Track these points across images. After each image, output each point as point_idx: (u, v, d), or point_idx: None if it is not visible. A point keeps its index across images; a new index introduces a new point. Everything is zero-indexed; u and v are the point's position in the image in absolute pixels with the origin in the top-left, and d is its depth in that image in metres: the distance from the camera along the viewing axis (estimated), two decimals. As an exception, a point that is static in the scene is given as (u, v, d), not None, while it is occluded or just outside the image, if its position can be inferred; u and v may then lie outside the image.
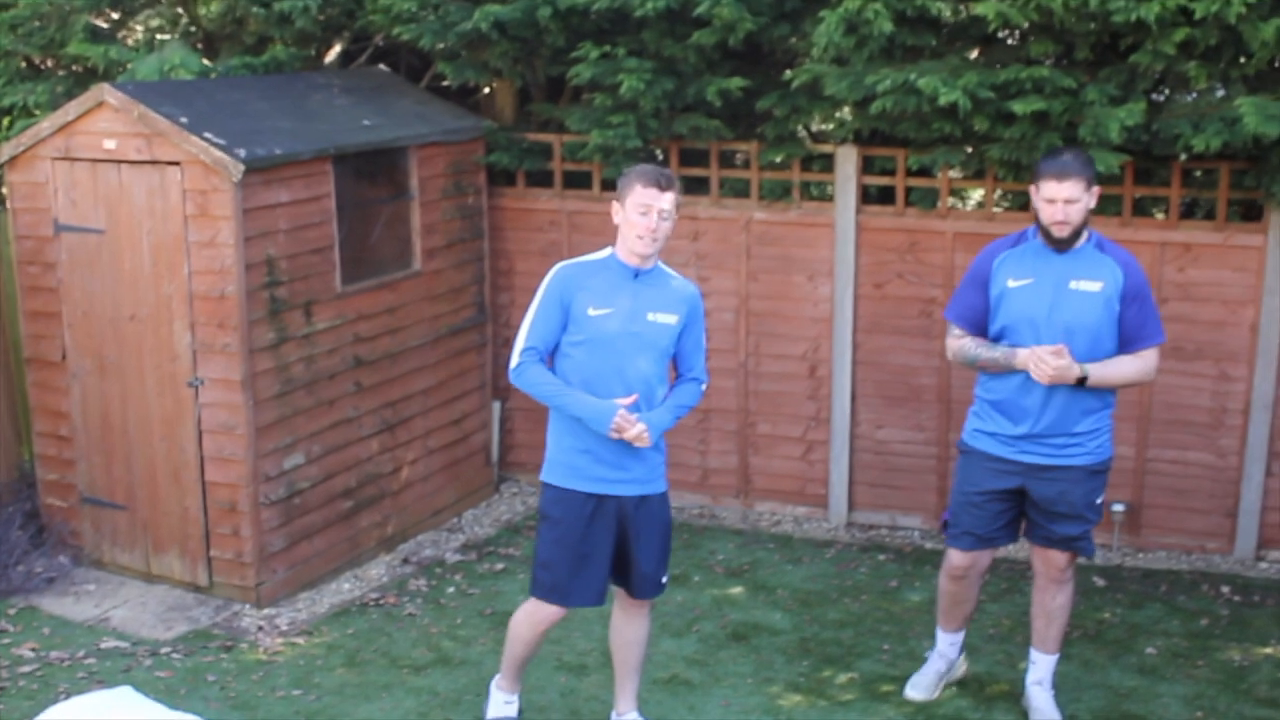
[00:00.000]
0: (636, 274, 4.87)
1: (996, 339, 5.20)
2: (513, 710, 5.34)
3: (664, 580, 5.17)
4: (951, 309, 5.36)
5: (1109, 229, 6.92)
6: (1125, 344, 5.10)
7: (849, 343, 7.45)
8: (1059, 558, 5.29)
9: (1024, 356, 5.03)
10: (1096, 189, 5.10)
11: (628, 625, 5.23)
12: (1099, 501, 5.25)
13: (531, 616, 5.10)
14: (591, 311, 4.81)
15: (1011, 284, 5.14)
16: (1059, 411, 5.11)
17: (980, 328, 5.24)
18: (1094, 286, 5.05)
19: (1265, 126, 5.97)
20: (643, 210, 4.76)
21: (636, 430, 4.76)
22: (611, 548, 4.97)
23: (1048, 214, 5.04)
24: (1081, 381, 4.99)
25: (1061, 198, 4.99)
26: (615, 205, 4.86)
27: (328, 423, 6.83)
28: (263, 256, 6.33)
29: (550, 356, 4.91)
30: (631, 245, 4.84)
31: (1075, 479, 5.17)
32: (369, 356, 7.04)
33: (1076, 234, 5.07)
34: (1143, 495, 7.19)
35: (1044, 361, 4.94)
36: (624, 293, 4.85)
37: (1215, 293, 6.90)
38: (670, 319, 4.89)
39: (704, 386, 5.08)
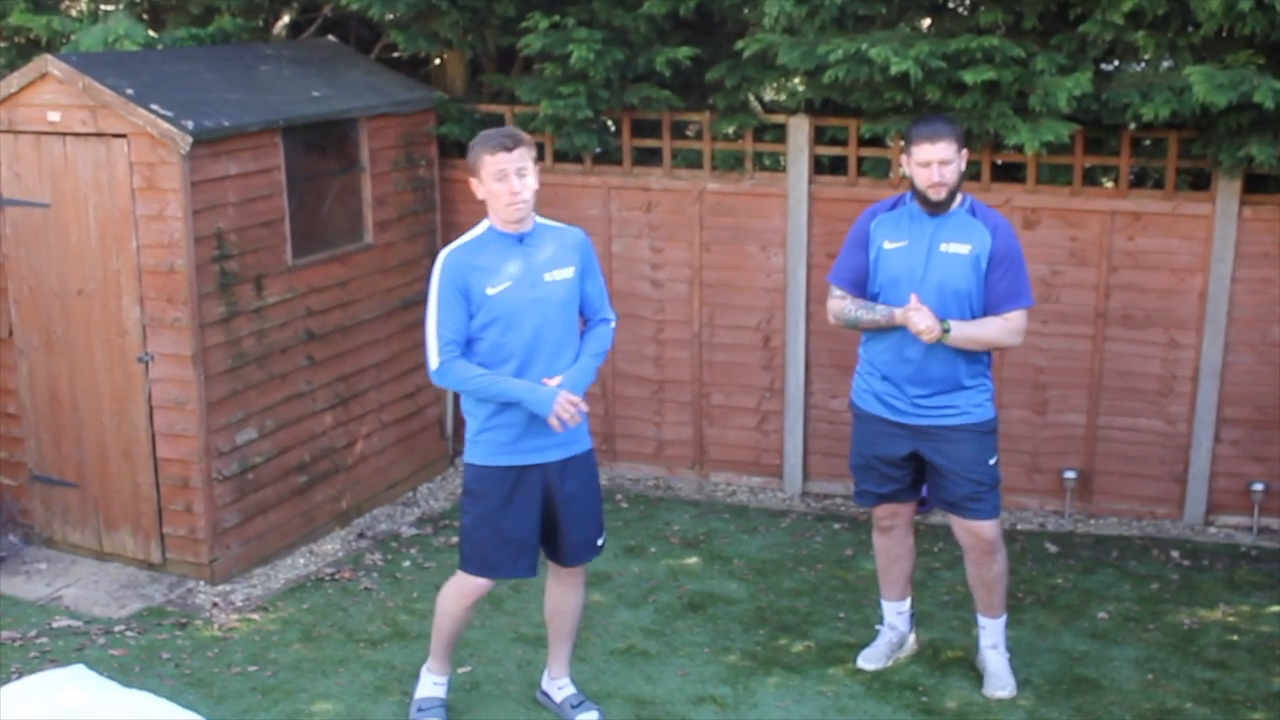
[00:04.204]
0: (521, 239, 4.80)
1: (873, 299, 5.27)
2: (441, 691, 5.31)
3: (599, 542, 5.14)
4: (834, 272, 5.42)
5: (1059, 198, 6.98)
6: (992, 306, 5.16)
7: (803, 313, 7.47)
8: (980, 527, 5.32)
9: (901, 316, 5.13)
10: (965, 151, 5.17)
11: (562, 595, 5.23)
12: (992, 463, 5.31)
13: (459, 590, 5.09)
14: (489, 290, 4.72)
15: (887, 245, 5.23)
16: (935, 370, 5.19)
17: (862, 288, 5.31)
18: (963, 249, 5.12)
19: (1214, 95, 6.02)
20: (499, 177, 4.67)
21: (571, 416, 4.73)
22: (538, 518, 4.95)
23: (923, 178, 5.10)
24: (940, 335, 5.06)
25: (936, 159, 5.06)
26: (473, 181, 4.75)
27: (280, 397, 6.78)
28: (212, 230, 6.27)
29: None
30: (503, 215, 4.75)
31: (963, 439, 5.25)
32: (321, 330, 6.99)
33: (952, 196, 5.13)
34: (1094, 462, 7.26)
35: (912, 313, 5.06)
36: (515, 262, 4.77)
37: (1164, 261, 6.95)
38: (568, 273, 4.85)
39: (614, 324, 5.06)
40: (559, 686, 5.36)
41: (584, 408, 4.79)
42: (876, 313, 5.21)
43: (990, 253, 5.12)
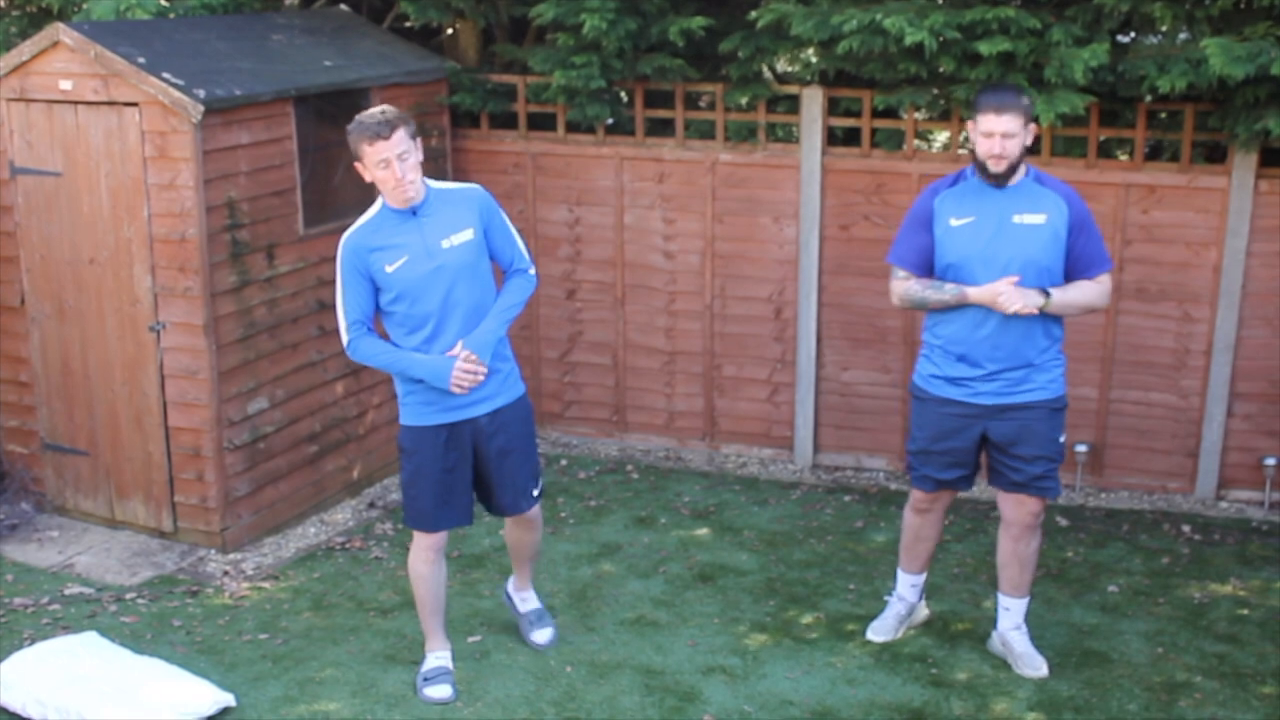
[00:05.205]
0: (415, 211, 4.87)
1: (941, 278, 5.17)
2: (445, 661, 5.35)
3: (535, 492, 5.25)
4: (895, 252, 5.29)
5: (1074, 170, 6.94)
6: (1080, 271, 5.09)
7: (815, 285, 7.45)
8: (1033, 503, 5.27)
9: (976, 294, 5.01)
10: (1034, 127, 5.07)
11: (519, 536, 5.42)
12: (1061, 440, 5.26)
13: (416, 548, 5.24)
14: (389, 268, 4.83)
15: (953, 223, 5.11)
16: (1011, 345, 5.10)
17: (927, 268, 5.19)
18: (1038, 219, 5.03)
19: (1230, 68, 5.97)
20: (382, 165, 4.75)
21: (471, 380, 4.84)
22: (469, 470, 5.09)
23: (984, 148, 4.99)
24: (1044, 304, 4.98)
25: (999, 131, 4.93)
26: (359, 166, 4.83)
27: (291, 367, 6.79)
28: (223, 199, 6.27)
29: (378, 320, 4.98)
30: (392, 199, 4.85)
31: (1037, 416, 5.17)
32: (332, 300, 6.98)
33: (1012, 169, 5.02)
34: (1106, 436, 7.24)
35: (1004, 294, 4.94)
36: (409, 235, 4.85)
37: (1179, 234, 6.92)
38: (467, 235, 4.90)
39: (532, 271, 5.10)
40: (523, 598, 5.59)
41: (483, 369, 4.86)
42: (945, 292, 5.09)
43: (1069, 221, 5.03)
